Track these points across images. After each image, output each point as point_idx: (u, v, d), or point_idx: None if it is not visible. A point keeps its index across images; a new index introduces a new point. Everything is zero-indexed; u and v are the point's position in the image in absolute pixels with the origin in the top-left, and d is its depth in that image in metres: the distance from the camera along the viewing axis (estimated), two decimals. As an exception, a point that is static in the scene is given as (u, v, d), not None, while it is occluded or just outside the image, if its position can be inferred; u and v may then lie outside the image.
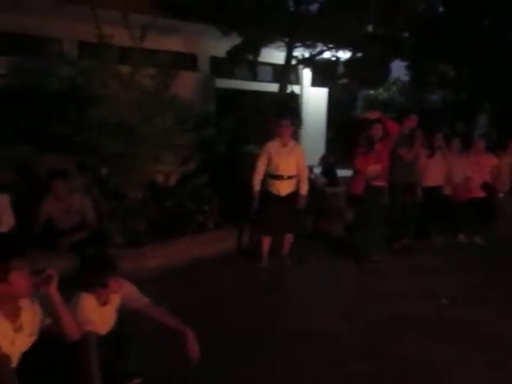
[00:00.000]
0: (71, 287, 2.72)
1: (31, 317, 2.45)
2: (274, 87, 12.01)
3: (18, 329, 2.38)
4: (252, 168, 7.40)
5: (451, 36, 8.95)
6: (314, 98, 12.13)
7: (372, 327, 3.80)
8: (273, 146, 5.06)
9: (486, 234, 6.52)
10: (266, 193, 5.09)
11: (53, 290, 2.39)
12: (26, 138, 5.66)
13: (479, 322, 3.91)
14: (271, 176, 5.09)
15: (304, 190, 5.14)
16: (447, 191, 6.33)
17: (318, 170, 8.99)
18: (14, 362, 2.31)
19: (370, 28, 7.42)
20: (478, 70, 9.48)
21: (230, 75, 11.42)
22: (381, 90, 12.91)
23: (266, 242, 5.20)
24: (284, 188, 5.06)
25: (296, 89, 10.57)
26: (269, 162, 5.05)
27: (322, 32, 6.91)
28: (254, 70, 9.23)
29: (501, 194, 6.78)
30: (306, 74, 12.46)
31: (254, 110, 10.06)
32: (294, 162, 5.07)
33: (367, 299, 4.43)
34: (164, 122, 5.34)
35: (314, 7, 7.14)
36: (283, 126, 5.02)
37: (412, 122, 5.77)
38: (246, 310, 4.10)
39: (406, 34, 8.58)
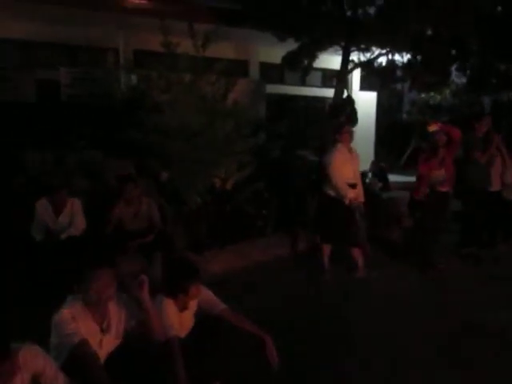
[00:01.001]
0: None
1: (118, 319, 2.53)
2: (324, 92, 11.99)
3: (105, 330, 2.46)
4: (306, 173, 7.43)
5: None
6: (363, 102, 11.94)
7: (447, 338, 3.68)
8: (341, 152, 4.86)
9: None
10: (332, 201, 4.89)
11: (145, 294, 2.47)
12: (92, 144, 5.89)
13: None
14: None
15: (362, 195, 5.02)
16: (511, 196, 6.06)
17: (369, 175, 8.86)
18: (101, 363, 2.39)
19: (429, 31, 7.23)
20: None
21: (280, 81, 11.47)
22: (433, 93, 12.54)
23: (328, 251, 5.08)
24: (353, 196, 4.86)
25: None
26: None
27: (380, 35, 6.79)
28: (305, 75, 9.19)
29: None
30: (355, 78, 12.35)
31: (305, 115, 10.06)
32: (358, 169, 5.00)
33: (437, 308, 4.28)
34: (225, 128, 5.41)
35: (372, 10, 7.03)
36: (346, 131, 4.88)
37: (487, 125, 5.58)
38: (310, 315, 4.07)
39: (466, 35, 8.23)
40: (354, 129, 7.31)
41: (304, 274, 5.17)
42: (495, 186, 5.86)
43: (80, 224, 4.57)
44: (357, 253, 5.05)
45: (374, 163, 9.62)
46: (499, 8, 9.35)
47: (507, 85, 10.01)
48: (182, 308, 2.82)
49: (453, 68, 9.43)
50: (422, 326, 3.87)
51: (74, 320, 2.31)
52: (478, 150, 5.48)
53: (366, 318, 4.06)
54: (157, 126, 5.39)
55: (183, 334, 2.82)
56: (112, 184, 5.36)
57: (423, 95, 12.83)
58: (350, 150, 4.94)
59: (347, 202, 4.76)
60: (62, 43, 8.93)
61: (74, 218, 4.55)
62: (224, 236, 5.34)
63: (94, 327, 2.42)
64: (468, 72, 10.41)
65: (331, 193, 4.89)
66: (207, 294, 2.95)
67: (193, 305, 2.91)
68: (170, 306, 2.74)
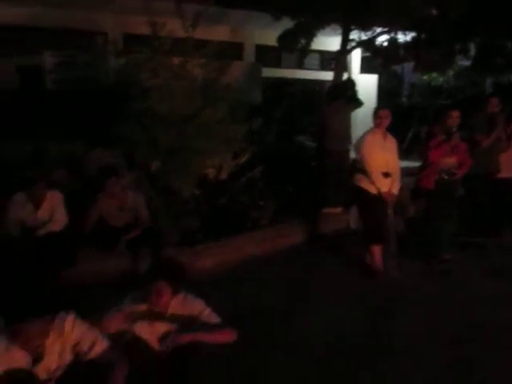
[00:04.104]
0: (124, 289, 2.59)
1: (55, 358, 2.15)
2: (322, 75, 11.60)
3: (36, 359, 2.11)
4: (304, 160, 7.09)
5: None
6: (363, 85, 11.52)
7: (461, 339, 3.39)
8: (374, 138, 4.39)
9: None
10: (365, 193, 4.45)
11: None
12: (77, 134, 5.55)
13: None
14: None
15: (397, 188, 4.53)
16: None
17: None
18: None
19: (434, 11, 6.78)
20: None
21: (277, 64, 11.09)
22: (435, 75, 12.12)
23: (379, 251, 4.56)
24: (387, 187, 4.41)
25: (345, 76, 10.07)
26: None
27: (383, 12, 6.36)
28: (302, 57, 8.77)
29: None
30: (355, 60, 11.94)
31: (302, 99, 9.69)
32: (394, 157, 4.53)
33: (448, 306, 3.98)
34: (217, 113, 5.06)
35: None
36: (383, 116, 4.38)
37: (494, 106, 5.22)
38: (308, 314, 3.79)
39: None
40: (356, 112, 7.02)
41: (299, 267, 4.87)
42: (505, 172, 5.53)
43: (61, 219, 4.26)
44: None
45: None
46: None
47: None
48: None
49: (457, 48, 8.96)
50: (437, 328, 3.58)
51: None
52: (481, 134, 5.14)
53: (374, 318, 3.75)
54: (145, 113, 5.06)
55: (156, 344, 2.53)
56: (94, 176, 5.04)
57: (425, 77, 12.42)
58: (385, 136, 4.48)
59: (376, 192, 4.36)
60: (47, 27, 8.53)
61: (54, 212, 4.24)
62: (218, 229, 5.03)
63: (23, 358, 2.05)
64: (472, 52, 10.01)
65: (362, 184, 4.45)
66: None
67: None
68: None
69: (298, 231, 5.63)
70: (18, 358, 1.99)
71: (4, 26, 8.16)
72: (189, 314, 2.49)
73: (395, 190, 4.48)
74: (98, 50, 8.42)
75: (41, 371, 2.07)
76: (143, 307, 2.44)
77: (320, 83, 11.35)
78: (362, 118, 11.21)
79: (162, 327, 2.44)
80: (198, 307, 2.51)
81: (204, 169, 5.46)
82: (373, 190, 4.41)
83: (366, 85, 11.84)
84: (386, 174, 4.38)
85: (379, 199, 4.42)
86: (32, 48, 7.76)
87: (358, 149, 4.51)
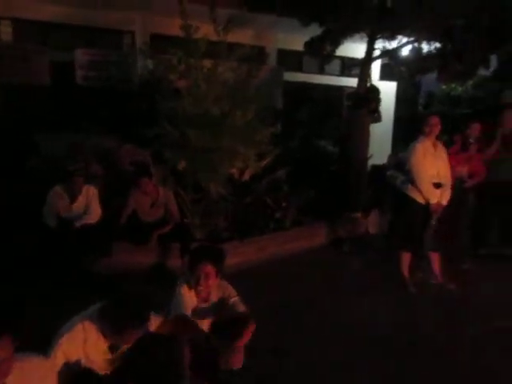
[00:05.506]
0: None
1: None
2: (342, 81, 11.72)
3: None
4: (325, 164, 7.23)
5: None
6: (382, 92, 11.58)
7: (476, 344, 3.51)
8: (425, 147, 4.27)
9: None
10: (411, 202, 4.34)
11: None
12: (108, 130, 5.74)
13: None
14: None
15: (447, 198, 4.36)
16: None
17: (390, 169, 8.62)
18: None
19: (460, 21, 6.84)
20: None
21: (298, 68, 11.21)
22: (454, 85, 12.16)
23: (408, 259, 4.54)
24: (437, 198, 4.28)
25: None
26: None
27: (412, 22, 6.45)
28: (324, 62, 8.90)
29: None
30: (375, 67, 12.02)
31: (322, 105, 9.82)
32: (445, 166, 4.39)
33: (465, 312, 4.09)
34: (245, 115, 5.20)
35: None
36: (434, 124, 4.26)
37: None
38: (326, 311, 3.95)
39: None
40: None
41: (322, 267, 5.04)
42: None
43: (96, 212, 4.45)
44: (434, 258, 4.59)
45: (391, 157, 9.38)
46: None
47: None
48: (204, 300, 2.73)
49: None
50: (453, 331, 3.71)
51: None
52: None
53: (394, 318, 3.89)
54: (174, 113, 5.22)
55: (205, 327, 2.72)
56: (128, 170, 5.22)
57: (444, 86, 12.47)
58: (435, 144, 4.35)
59: (423, 202, 4.27)
60: (79, 25, 8.75)
61: (89, 205, 4.43)
62: (243, 228, 5.18)
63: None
64: (495, 62, 10.03)
65: (410, 193, 4.35)
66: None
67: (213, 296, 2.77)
68: (186, 296, 2.66)
69: (318, 234, 5.78)
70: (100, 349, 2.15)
71: (42, 23, 8.40)
72: (221, 296, 2.72)
73: (445, 201, 4.35)
74: (126, 50, 8.62)
75: (115, 357, 2.23)
76: (192, 296, 2.65)
77: (340, 89, 11.47)
78: (379, 126, 11.34)
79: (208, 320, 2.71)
80: (228, 291, 2.74)
81: (230, 169, 5.60)
82: (420, 200, 4.31)
83: (385, 92, 11.93)
84: (438, 185, 4.30)
85: (424, 209, 4.31)
86: (66, 45, 7.99)
87: (407, 159, 4.37)
